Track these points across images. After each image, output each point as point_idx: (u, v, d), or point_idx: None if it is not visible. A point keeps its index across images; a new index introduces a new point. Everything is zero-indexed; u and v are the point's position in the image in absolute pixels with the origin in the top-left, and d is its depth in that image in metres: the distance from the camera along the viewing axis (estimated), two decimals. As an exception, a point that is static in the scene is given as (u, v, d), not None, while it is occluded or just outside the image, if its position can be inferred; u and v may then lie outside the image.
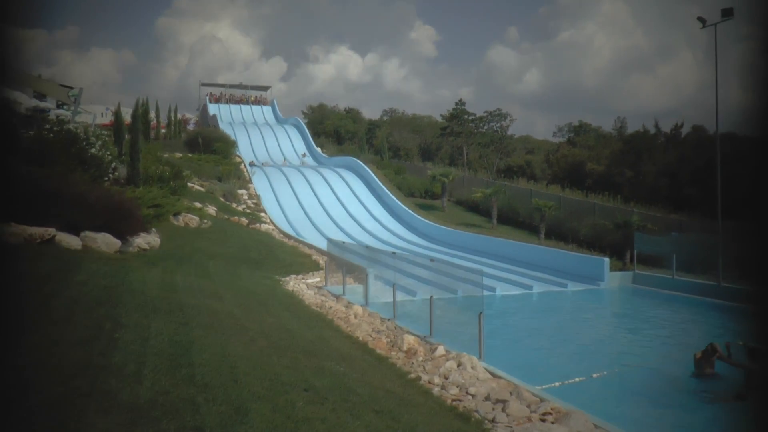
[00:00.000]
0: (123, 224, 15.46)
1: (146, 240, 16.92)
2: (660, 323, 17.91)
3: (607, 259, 23.84)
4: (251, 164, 45.21)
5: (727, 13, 24.77)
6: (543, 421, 8.33)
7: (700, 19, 26.00)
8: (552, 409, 8.68)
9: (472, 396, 9.32)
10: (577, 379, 11.20)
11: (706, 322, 18.31)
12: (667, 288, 22.37)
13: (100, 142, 21.48)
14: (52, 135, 19.99)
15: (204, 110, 73.75)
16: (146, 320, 8.34)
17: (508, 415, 8.41)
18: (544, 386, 9.87)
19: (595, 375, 11.55)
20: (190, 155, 45.71)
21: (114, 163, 23.01)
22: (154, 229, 18.66)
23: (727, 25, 24.87)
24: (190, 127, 66.48)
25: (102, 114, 56.11)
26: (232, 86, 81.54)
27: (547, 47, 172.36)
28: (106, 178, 21.67)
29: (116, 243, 14.90)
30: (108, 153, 22.13)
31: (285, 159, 53.76)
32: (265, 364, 7.68)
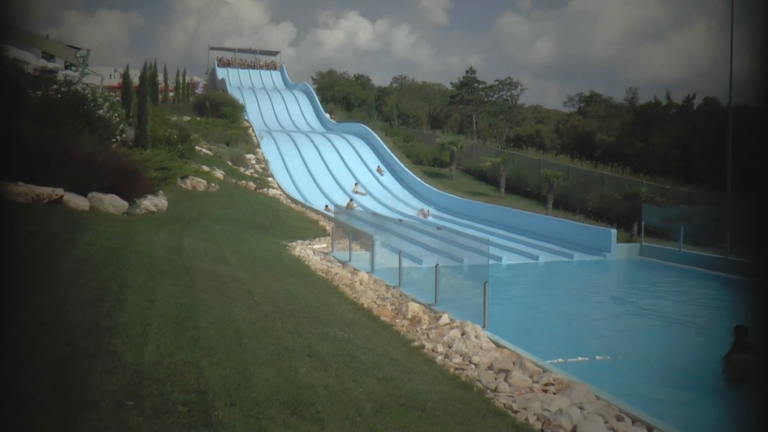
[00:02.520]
0: (130, 186, 15.46)
1: (153, 202, 16.95)
2: (665, 298, 17.84)
3: (614, 231, 23.76)
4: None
5: (744, -17, 24.34)
6: (545, 391, 8.37)
7: (717, -11, 25.51)
8: (554, 380, 8.71)
9: (475, 365, 9.35)
10: (579, 359, 11.19)
11: (713, 296, 18.27)
12: (673, 261, 22.29)
13: (107, 104, 21.42)
14: (59, 95, 19.96)
15: (213, 74, 73.39)
16: (152, 282, 8.38)
17: (510, 385, 8.45)
18: (547, 361, 9.87)
19: (598, 357, 11.52)
20: (198, 119, 45.56)
21: (122, 125, 22.96)
22: (161, 192, 18.67)
23: (744, -5, 24.41)
24: (199, 90, 66.23)
25: (110, 76, 55.92)
26: (241, 50, 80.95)
27: (559, 16, 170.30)
28: (114, 140, 21.65)
29: (123, 204, 14.92)
30: (116, 115, 22.08)
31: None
32: (269, 329, 7.72)
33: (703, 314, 16.01)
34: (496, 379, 8.70)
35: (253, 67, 76.63)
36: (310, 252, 19.30)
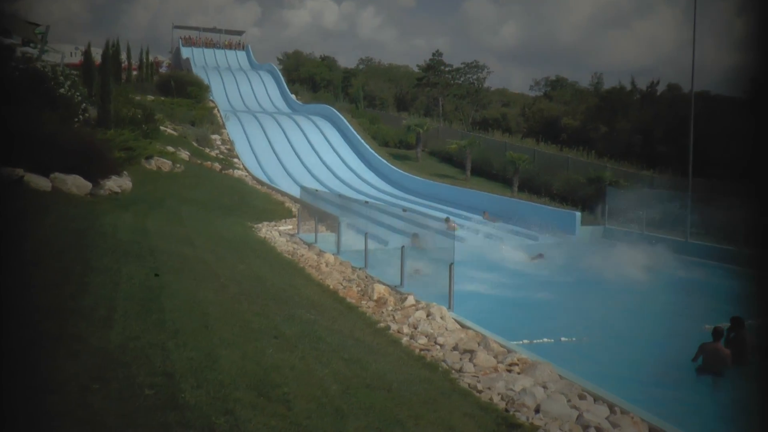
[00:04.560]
0: (94, 167, 15.21)
1: (118, 183, 16.73)
2: (627, 280, 18.14)
3: (578, 213, 24.11)
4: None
5: (708, -29, 24.74)
6: (509, 371, 8.51)
7: (681, -24, 25.90)
8: (518, 360, 8.86)
9: (440, 346, 9.46)
10: (545, 340, 11.36)
11: (674, 278, 18.62)
12: (636, 242, 22.66)
13: (69, 82, 21.00)
14: (17, 73, 19.50)
15: (177, 53, 72.25)
16: (117, 264, 8.30)
17: (475, 365, 8.57)
18: (512, 342, 10.01)
19: (563, 339, 11.71)
20: (162, 99, 44.84)
21: (84, 104, 22.55)
22: (125, 173, 18.43)
23: (708, -17, 24.82)
24: (163, 70, 65.16)
25: (71, 53, 54.60)
26: (205, 30, 79.76)
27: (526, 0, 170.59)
28: (76, 120, 21.24)
29: (87, 185, 14.70)
30: (78, 94, 21.66)
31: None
32: (235, 311, 7.72)
33: (663, 296, 16.32)
34: (461, 359, 8.81)
35: (218, 47, 75.67)
36: (276, 234, 19.25)
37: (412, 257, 14.15)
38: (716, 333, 10.57)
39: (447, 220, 18.35)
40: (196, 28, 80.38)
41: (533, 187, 34.42)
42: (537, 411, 7.11)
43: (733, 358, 10.33)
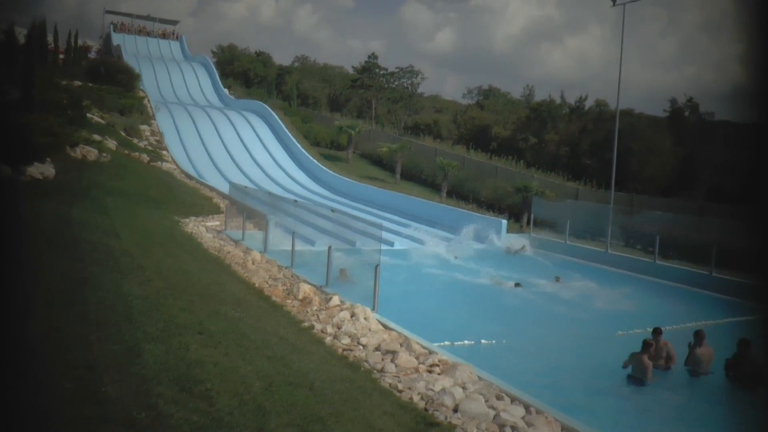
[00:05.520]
0: (14, 151, 14.78)
1: (40, 170, 16.27)
2: (548, 287, 18.67)
3: (505, 221, 24.64)
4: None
5: (636, -6, 25.89)
6: (430, 372, 8.71)
7: (611, -3, 26.95)
8: (439, 361, 9.07)
9: (363, 346, 9.60)
10: (466, 342, 11.62)
11: (592, 287, 19.24)
12: (559, 252, 23.35)
13: (-10, 63, 20.27)
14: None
15: (107, 39, 70.29)
16: (38, 254, 8.13)
17: (396, 366, 8.74)
18: (434, 344, 10.21)
19: (483, 341, 12.00)
20: (90, 85, 43.65)
21: (5, 86, 21.76)
22: (48, 159, 17.91)
23: (635, 6, 25.87)
24: (92, 55, 63.31)
25: (-8, 32, 52.58)
26: (138, 17, 77.78)
27: (461, 8, 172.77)
28: (-4, 102, 20.51)
29: (6, 170, 14.27)
30: (-1, 75, 20.92)
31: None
32: (160, 305, 7.66)
33: (581, 304, 16.86)
34: (383, 359, 8.97)
35: (151, 35, 74.02)
36: (203, 229, 19.06)
37: (339, 258, 14.26)
38: (645, 344, 10.98)
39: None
40: (129, 15, 78.24)
41: (461, 194, 34.97)
42: (456, 410, 7.34)
43: (746, 381, 10.60)
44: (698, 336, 11.37)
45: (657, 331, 11.46)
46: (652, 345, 10.94)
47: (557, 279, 18.95)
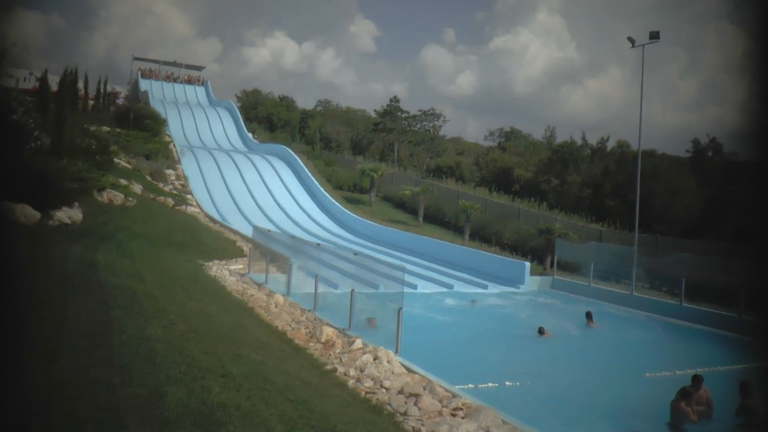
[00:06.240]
0: (44, 196, 15.04)
1: (68, 214, 16.52)
2: (574, 330, 18.46)
3: (528, 263, 24.52)
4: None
5: (654, 36, 26.16)
6: (453, 415, 8.60)
7: (630, 39, 27.18)
8: (463, 405, 8.96)
9: (386, 389, 9.52)
10: (489, 384, 11.49)
11: (618, 329, 18.99)
12: (583, 294, 23.14)
13: (22, 108, 20.73)
14: (-33, 97, 19.22)
15: (135, 85, 71.93)
16: (64, 297, 8.22)
17: (419, 409, 8.65)
18: (457, 387, 10.11)
19: (508, 384, 11.86)
20: (118, 130, 44.51)
21: (37, 132, 22.24)
22: (76, 204, 18.19)
23: (654, 47, 26.01)
24: (120, 101, 64.71)
25: (25, 79, 53.86)
26: (165, 63, 79.55)
27: (482, 51, 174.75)
28: (28, 147, 20.93)
29: (35, 215, 14.51)
30: (31, 120, 21.37)
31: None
32: (183, 349, 7.69)
33: (608, 347, 16.65)
34: (406, 403, 8.88)
35: (177, 81, 75.47)
36: (226, 272, 19.14)
37: (361, 301, 14.22)
38: (683, 392, 10.71)
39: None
40: (157, 61, 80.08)
41: (484, 236, 34.89)
42: (479, 457, 7.22)
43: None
44: (746, 387, 10.75)
45: (697, 378, 11.06)
46: (692, 393, 10.62)
47: (589, 317, 18.56)
